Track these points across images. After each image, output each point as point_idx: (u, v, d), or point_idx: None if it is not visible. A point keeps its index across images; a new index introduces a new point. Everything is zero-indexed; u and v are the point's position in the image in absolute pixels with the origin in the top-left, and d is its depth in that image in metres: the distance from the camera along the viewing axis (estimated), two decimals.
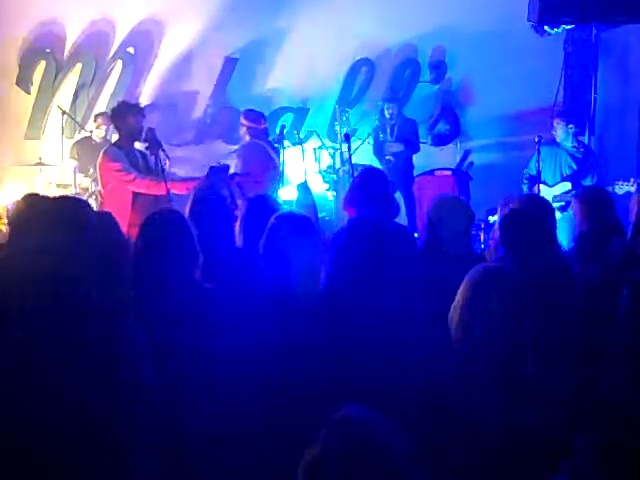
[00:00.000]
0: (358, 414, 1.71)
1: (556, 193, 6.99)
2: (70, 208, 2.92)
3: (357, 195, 4.30)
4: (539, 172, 7.11)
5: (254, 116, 6.97)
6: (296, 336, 2.79)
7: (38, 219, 2.84)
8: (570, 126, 7.13)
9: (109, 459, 2.36)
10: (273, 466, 2.61)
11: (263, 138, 6.91)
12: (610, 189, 6.96)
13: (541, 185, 7.09)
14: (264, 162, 6.80)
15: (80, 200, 3.27)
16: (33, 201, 3.02)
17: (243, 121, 6.93)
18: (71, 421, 2.21)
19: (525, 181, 7.33)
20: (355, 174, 6.80)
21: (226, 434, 2.73)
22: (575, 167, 7.10)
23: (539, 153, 7.16)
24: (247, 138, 6.90)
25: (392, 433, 1.69)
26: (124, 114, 5.90)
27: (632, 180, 6.86)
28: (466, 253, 3.91)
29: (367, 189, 4.28)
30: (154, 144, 5.82)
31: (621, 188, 6.76)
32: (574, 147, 7.14)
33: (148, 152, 5.96)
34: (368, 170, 4.71)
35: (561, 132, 7.14)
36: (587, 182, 7.05)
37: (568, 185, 7.04)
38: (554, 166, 7.17)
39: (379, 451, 1.64)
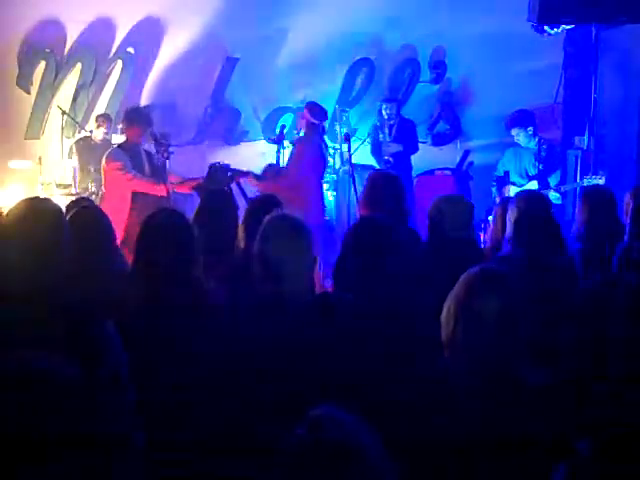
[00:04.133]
0: (334, 414, 1.72)
1: None
2: (41, 211, 2.92)
3: (371, 197, 4.35)
4: (539, 172, 7.19)
5: (317, 112, 6.97)
6: (287, 337, 2.79)
7: (13, 224, 2.84)
8: (529, 129, 7.24)
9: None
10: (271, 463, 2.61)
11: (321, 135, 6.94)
12: (576, 185, 7.14)
13: (510, 186, 7.21)
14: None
15: (48, 201, 3.28)
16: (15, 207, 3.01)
17: (304, 113, 6.95)
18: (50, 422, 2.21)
19: (493, 183, 7.41)
20: (358, 175, 6.86)
21: (220, 433, 2.73)
22: (540, 166, 7.20)
23: (539, 153, 7.22)
24: (304, 131, 6.92)
25: (367, 434, 1.69)
26: (132, 121, 6.27)
27: (601, 173, 6.99)
28: (472, 241, 3.97)
29: (379, 190, 4.33)
30: (163, 147, 6.09)
31: (590, 182, 6.88)
32: (537, 146, 7.23)
33: (155, 152, 6.20)
34: (382, 173, 4.78)
35: (523, 138, 7.25)
36: (552, 179, 7.18)
37: (535, 184, 7.12)
38: (519, 166, 7.32)
39: (354, 452, 1.64)
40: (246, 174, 6.93)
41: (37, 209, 2.91)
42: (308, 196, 6.49)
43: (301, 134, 6.99)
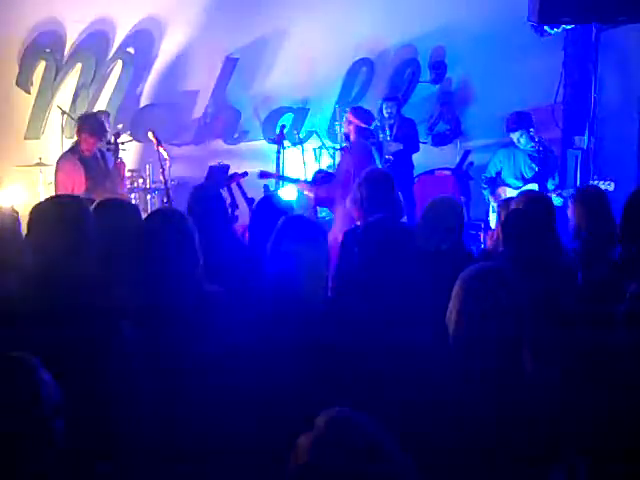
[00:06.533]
0: (348, 415, 1.71)
1: None
2: (69, 208, 2.92)
3: (363, 195, 4.32)
4: (536, 174, 7.16)
5: (363, 115, 6.96)
6: (300, 339, 2.79)
7: (39, 221, 2.85)
8: (531, 130, 7.17)
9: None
10: (274, 469, 2.61)
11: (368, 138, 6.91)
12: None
13: (507, 188, 7.16)
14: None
15: (78, 198, 3.28)
16: (37, 205, 3.02)
17: (351, 118, 6.92)
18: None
19: (484, 185, 7.36)
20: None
21: (224, 437, 2.73)
22: (536, 167, 7.16)
23: (539, 153, 7.20)
24: (353, 137, 6.88)
25: (384, 434, 1.68)
26: (82, 126, 6.68)
27: (608, 180, 6.91)
28: (454, 249, 3.94)
29: (373, 190, 4.30)
30: (117, 150, 6.73)
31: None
32: (532, 147, 7.19)
33: (110, 154, 6.78)
34: (374, 171, 4.74)
35: (524, 140, 7.13)
36: (549, 182, 7.14)
37: (535, 186, 7.09)
38: (513, 168, 7.25)
39: (374, 451, 1.63)
40: (245, 175, 6.95)
41: (60, 207, 2.92)
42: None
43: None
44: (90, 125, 6.67)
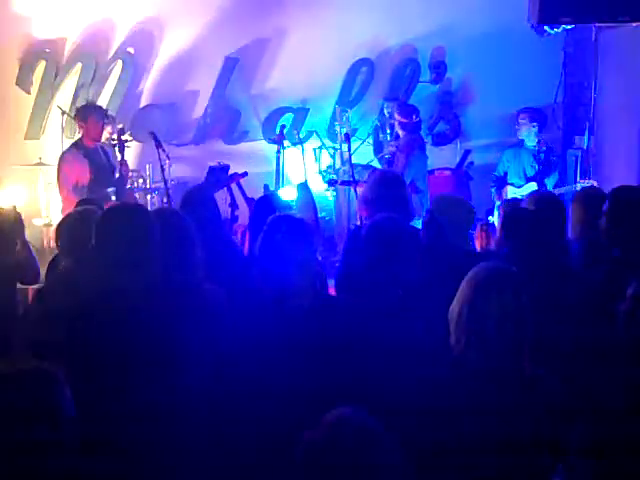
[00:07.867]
0: (357, 416, 1.72)
1: (523, 194, 7.04)
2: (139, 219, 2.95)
3: (374, 196, 4.32)
4: (537, 174, 7.19)
5: (404, 110, 7.18)
6: (290, 337, 2.79)
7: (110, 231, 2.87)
8: (533, 124, 7.33)
9: None
10: (271, 466, 2.61)
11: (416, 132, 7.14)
12: (572, 188, 7.15)
13: (509, 186, 7.23)
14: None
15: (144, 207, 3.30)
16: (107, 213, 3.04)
17: (396, 116, 7.18)
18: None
19: (492, 183, 7.44)
20: (358, 175, 6.87)
21: (225, 434, 2.73)
22: (537, 167, 7.21)
23: (538, 154, 7.23)
24: (402, 133, 7.11)
25: (386, 438, 1.70)
26: (86, 114, 6.67)
27: (590, 180, 7.04)
28: (470, 248, 3.97)
29: (382, 190, 4.30)
30: (122, 146, 6.64)
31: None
32: (536, 147, 7.25)
33: (116, 150, 6.73)
34: (384, 172, 4.75)
35: (525, 130, 7.31)
36: (549, 181, 7.20)
37: (534, 186, 7.14)
38: (518, 167, 7.37)
39: (372, 455, 1.65)
40: (245, 175, 6.96)
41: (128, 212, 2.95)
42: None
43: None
44: (94, 111, 6.69)
